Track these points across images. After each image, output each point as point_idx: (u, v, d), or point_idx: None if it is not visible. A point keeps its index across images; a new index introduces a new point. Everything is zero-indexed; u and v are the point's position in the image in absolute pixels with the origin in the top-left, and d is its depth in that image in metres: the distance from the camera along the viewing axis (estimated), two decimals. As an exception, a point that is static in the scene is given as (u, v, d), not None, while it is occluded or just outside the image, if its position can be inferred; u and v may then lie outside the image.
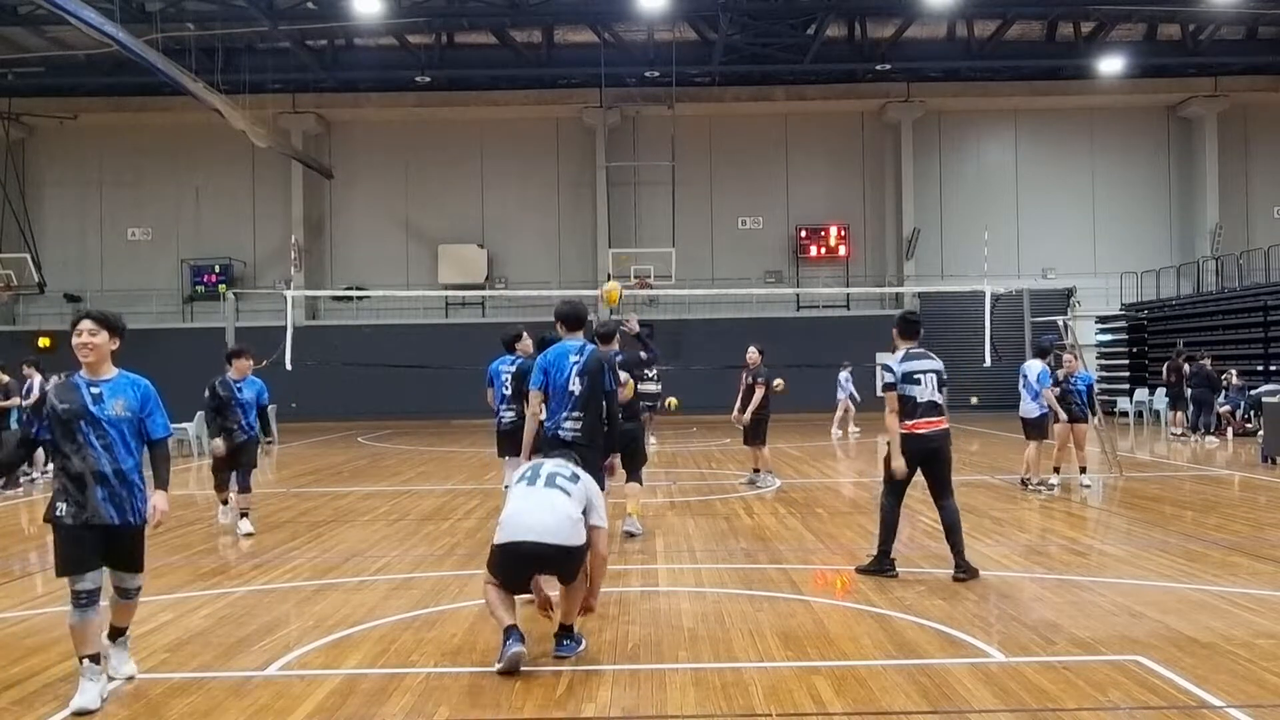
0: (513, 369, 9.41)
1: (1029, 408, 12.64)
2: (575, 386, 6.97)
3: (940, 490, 7.68)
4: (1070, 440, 12.88)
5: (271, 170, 31.64)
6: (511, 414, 9.36)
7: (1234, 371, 22.00)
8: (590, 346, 7.16)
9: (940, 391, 7.66)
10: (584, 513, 5.65)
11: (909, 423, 7.54)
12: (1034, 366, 12.64)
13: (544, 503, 5.55)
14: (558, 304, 7.43)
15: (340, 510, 12.14)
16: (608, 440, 7.16)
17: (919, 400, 7.53)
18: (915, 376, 7.56)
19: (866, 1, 27.00)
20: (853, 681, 5.19)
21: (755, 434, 13.59)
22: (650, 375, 21.03)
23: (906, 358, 7.67)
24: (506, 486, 7.17)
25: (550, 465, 5.83)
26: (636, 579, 7.83)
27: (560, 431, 6.98)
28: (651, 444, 19.96)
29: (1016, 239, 31.94)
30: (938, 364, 7.73)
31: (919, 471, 7.69)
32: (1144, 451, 18.81)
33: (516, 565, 5.51)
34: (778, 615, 6.62)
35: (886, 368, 7.68)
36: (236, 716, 4.86)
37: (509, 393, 9.45)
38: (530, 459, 7.12)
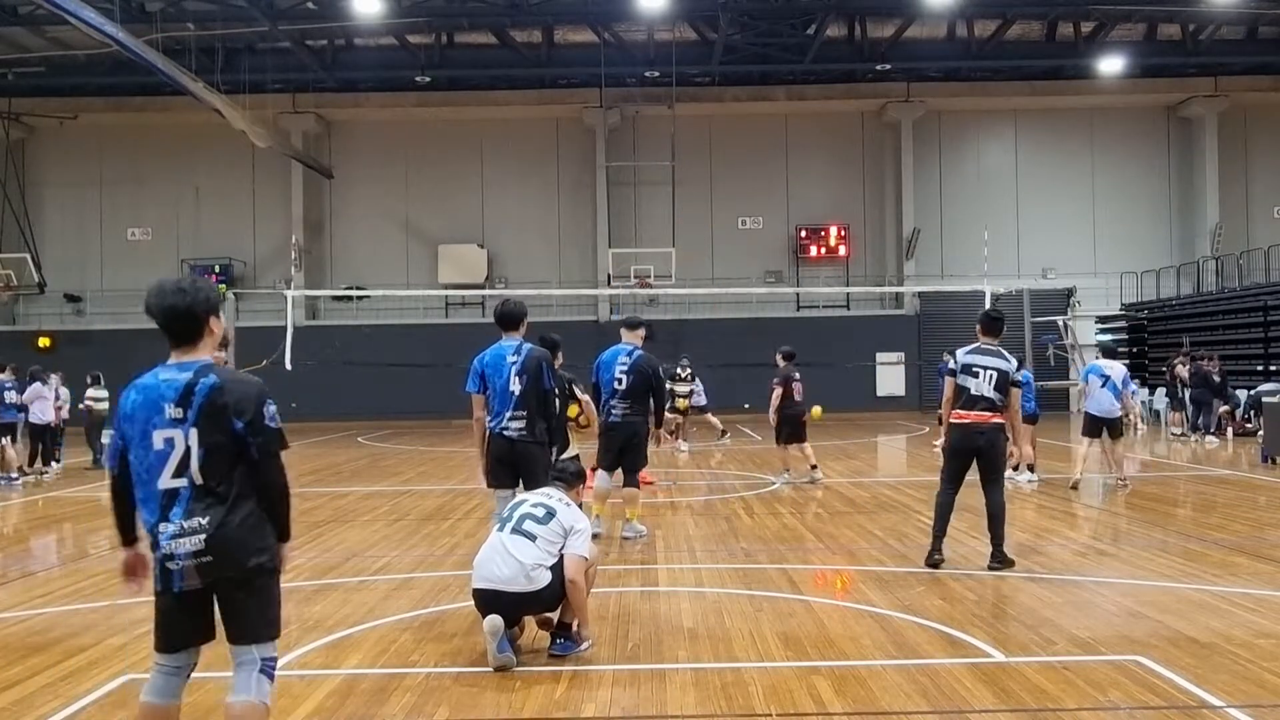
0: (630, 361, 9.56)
1: (1111, 407, 12.73)
2: (515, 386, 7.03)
3: (986, 481, 7.96)
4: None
5: (271, 170, 31.61)
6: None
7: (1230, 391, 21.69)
8: (528, 346, 7.20)
9: (1000, 391, 7.82)
10: (565, 541, 5.64)
11: (958, 411, 7.85)
12: (1117, 368, 12.93)
13: (503, 550, 5.58)
14: (495, 305, 7.49)
15: (340, 510, 12.14)
16: (553, 436, 7.25)
17: (971, 392, 7.83)
18: (974, 370, 7.85)
19: (866, 1, 26.98)
20: (853, 681, 5.19)
21: (780, 435, 13.92)
22: (684, 375, 20.92)
23: (973, 351, 7.99)
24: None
25: (528, 505, 5.81)
26: (636, 579, 7.82)
27: (505, 431, 7.02)
28: (683, 449, 19.77)
29: (1016, 239, 31.92)
30: (1005, 364, 7.91)
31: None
32: (1144, 451, 18.80)
33: (485, 607, 5.57)
34: (778, 615, 6.62)
35: (951, 353, 8.14)
36: (236, 716, 4.85)
37: (621, 388, 9.53)
38: (484, 459, 7.18)
